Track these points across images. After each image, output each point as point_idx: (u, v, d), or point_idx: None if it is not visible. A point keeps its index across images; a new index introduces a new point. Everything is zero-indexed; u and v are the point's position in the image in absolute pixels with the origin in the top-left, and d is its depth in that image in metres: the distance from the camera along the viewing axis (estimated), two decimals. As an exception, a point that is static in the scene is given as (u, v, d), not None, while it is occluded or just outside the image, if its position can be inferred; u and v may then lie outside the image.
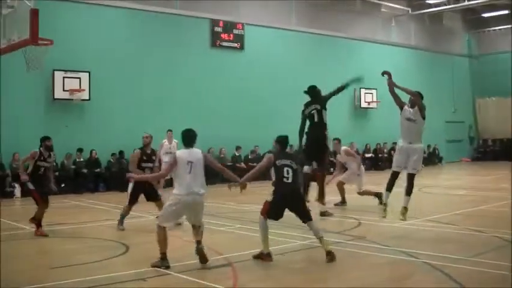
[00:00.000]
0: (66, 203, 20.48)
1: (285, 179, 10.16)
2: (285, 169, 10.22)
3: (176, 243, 12.09)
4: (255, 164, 27.93)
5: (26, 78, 20.30)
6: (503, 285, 8.42)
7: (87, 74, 24.80)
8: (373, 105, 35.60)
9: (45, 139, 13.62)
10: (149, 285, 8.65)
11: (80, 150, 24.38)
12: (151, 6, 27.14)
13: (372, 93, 35.53)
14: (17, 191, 22.56)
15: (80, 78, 24.65)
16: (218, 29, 29.60)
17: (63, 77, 24.34)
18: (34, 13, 11.90)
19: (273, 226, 11.81)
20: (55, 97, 24.36)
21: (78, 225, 15.00)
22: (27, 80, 22.16)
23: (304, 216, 10.22)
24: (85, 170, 24.17)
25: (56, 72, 24.05)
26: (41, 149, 13.42)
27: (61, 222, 15.33)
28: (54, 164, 14.83)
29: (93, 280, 8.79)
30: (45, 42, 13.17)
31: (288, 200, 10.16)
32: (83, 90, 24.66)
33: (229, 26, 29.92)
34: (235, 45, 30.23)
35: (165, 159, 19.44)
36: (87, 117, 24.97)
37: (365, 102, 35.40)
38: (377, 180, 20.62)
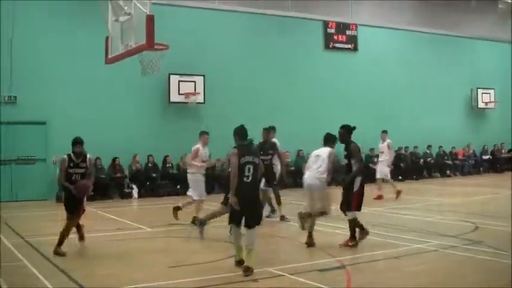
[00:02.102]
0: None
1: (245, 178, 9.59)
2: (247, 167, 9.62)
3: (288, 246, 12.13)
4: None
5: (143, 82, 20.91)
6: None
7: (202, 77, 25.25)
8: (491, 105, 34.46)
9: (73, 144, 11.76)
10: (261, 285, 8.68)
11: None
12: (264, 9, 27.36)
13: (489, 93, 34.42)
14: (135, 192, 23.25)
15: (195, 81, 25.15)
16: (331, 31, 29.50)
17: (179, 81, 24.92)
18: (150, 19, 12.20)
19: (385, 229, 11.65)
20: (171, 100, 24.92)
21: (192, 226, 15.23)
22: (143, 84, 22.80)
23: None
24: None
25: (171, 76, 24.62)
26: (71, 154, 11.63)
27: (179, 222, 15.62)
28: (94, 168, 12.55)
29: (207, 280, 8.91)
30: (161, 47, 13.51)
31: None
32: (198, 93, 25.13)
33: (342, 27, 29.75)
34: (349, 46, 30.02)
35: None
36: (202, 119, 25.35)
37: (482, 102, 34.31)
38: (496, 182, 19.92)
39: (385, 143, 21.03)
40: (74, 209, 11.48)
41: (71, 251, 11.49)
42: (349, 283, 8.76)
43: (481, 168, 32.87)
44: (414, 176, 29.81)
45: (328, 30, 29.44)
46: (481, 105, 34.33)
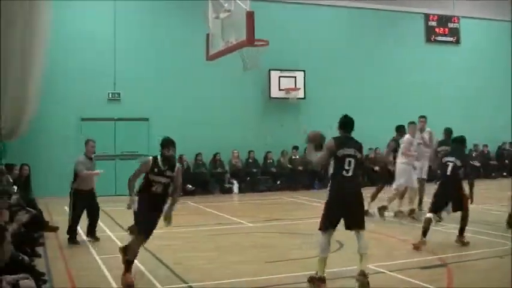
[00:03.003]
0: (282, 199, 21.02)
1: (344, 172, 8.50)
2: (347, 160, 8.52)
3: (390, 242, 12.00)
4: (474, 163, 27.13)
5: (244, 78, 21.07)
6: None
7: (302, 72, 25.25)
8: None
9: (163, 145, 9.17)
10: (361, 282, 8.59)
11: (296, 148, 24.78)
12: (364, 3, 27.06)
13: None
14: (235, 187, 23.49)
15: (295, 77, 25.17)
16: (432, 24, 28.91)
17: (279, 77, 24.99)
18: (250, 15, 12.28)
19: (487, 227, 11.33)
20: (271, 96, 25.04)
21: (295, 221, 15.28)
22: (245, 80, 22.99)
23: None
24: (300, 168, 24.52)
25: (272, 72, 24.73)
26: (157, 158, 9.16)
27: (279, 218, 15.72)
28: (181, 179, 9.52)
29: (304, 276, 8.88)
30: (261, 42, 13.58)
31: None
32: (298, 89, 25.14)
33: (444, 20, 29.11)
34: (451, 39, 29.34)
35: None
36: (302, 115, 25.35)
37: None
38: None
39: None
40: (147, 226, 9.08)
41: (172, 245, 11.71)
42: (450, 282, 8.58)
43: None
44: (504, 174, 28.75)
45: (430, 23, 28.86)
46: None
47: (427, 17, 28.81)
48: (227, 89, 24.26)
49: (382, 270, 9.20)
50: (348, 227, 8.51)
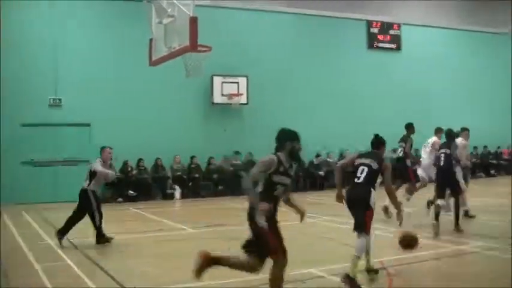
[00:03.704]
0: (224, 204, 21.03)
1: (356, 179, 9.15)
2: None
3: (331, 246, 12.13)
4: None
5: (186, 83, 21.05)
6: None
7: (245, 78, 25.31)
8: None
9: (290, 138, 7.93)
10: (303, 286, 8.69)
11: (237, 152, 24.86)
12: (307, 9, 27.31)
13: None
14: (177, 193, 23.38)
15: (238, 82, 25.23)
16: (374, 30, 29.33)
17: (222, 82, 25.01)
18: (193, 21, 12.27)
19: (423, 229, 11.57)
20: (214, 101, 25.05)
21: (237, 226, 15.28)
22: (187, 86, 22.98)
23: None
24: (243, 172, 24.56)
25: (215, 77, 24.74)
26: (279, 154, 7.75)
27: (221, 223, 15.72)
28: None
29: (246, 281, 8.93)
30: (204, 48, 13.58)
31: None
32: (241, 94, 25.21)
33: (385, 27, 29.56)
34: (392, 46, 29.81)
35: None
36: (245, 120, 25.46)
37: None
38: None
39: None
40: (280, 241, 7.64)
41: (113, 251, 11.64)
42: (390, 285, 8.73)
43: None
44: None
45: (372, 29, 29.27)
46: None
47: (369, 23, 29.20)
48: (170, 94, 24.19)
49: (322, 274, 9.28)
50: None
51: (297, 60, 27.03)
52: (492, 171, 31.36)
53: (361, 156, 9.29)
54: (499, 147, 31.92)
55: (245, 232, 12.51)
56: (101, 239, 12.56)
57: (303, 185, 25.53)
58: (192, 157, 24.26)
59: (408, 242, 9.27)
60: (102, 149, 13.31)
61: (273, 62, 26.38)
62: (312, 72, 27.30)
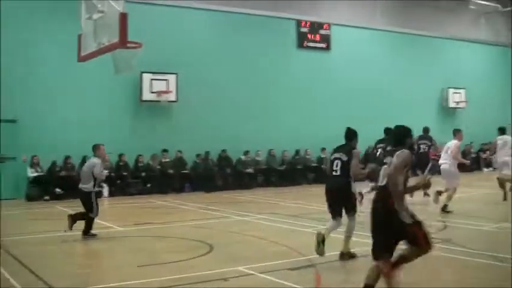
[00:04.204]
0: (152, 203, 20.89)
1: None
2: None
3: (260, 244, 12.18)
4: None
5: (115, 80, 20.85)
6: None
7: (175, 75, 25.16)
8: (462, 105, 34.82)
9: (406, 135, 7.63)
10: (231, 285, 8.69)
11: (165, 150, 24.72)
12: (238, 8, 27.29)
13: (460, 93, 34.78)
14: (105, 191, 23.03)
15: (167, 80, 25.04)
16: (304, 30, 29.53)
17: (151, 79, 24.78)
18: (123, 17, 12.11)
19: (364, 228, 11.73)
20: (143, 99, 24.82)
21: (165, 225, 15.24)
22: (116, 83, 22.74)
23: None
24: (171, 171, 24.49)
25: (144, 75, 24.49)
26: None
27: (149, 221, 15.62)
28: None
29: (176, 279, 8.91)
30: (134, 45, 13.44)
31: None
32: (170, 91, 25.04)
33: (315, 27, 29.80)
34: (322, 45, 30.09)
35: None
36: (174, 118, 25.34)
37: (453, 102, 34.65)
38: (465, 182, 20.09)
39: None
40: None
41: (41, 251, 11.43)
42: (319, 282, 8.81)
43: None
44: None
45: (302, 29, 29.45)
46: (452, 104, 34.65)
47: (299, 23, 29.37)
48: (98, 91, 23.85)
49: (252, 272, 9.31)
50: None
51: (227, 58, 27.00)
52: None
53: (335, 151, 10.55)
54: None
55: (172, 230, 12.45)
56: (88, 232, 13.01)
57: (231, 183, 25.41)
58: (120, 155, 23.94)
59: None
60: (97, 146, 13.62)
61: (203, 60, 26.28)
62: (241, 70, 27.31)
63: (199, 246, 11.57)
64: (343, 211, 10.27)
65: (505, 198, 17.93)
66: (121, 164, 24.02)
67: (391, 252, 7.31)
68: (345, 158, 10.15)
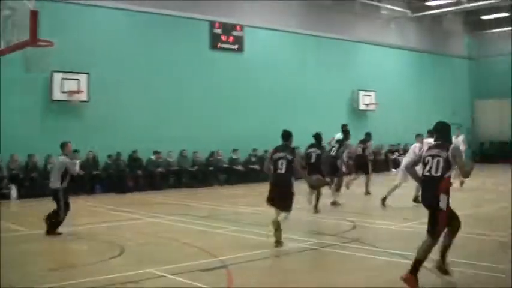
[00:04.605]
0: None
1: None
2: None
3: (172, 245, 12.18)
4: (255, 166, 28.12)
5: (25, 79, 20.38)
6: (500, 286, 8.45)
7: (86, 75, 24.76)
8: (372, 107, 35.57)
9: (449, 130, 9.22)
10: (143, 286, 8.68)
11: (76, 151, 24.23)
12: (151, 8, 27.02)
13: (370, 95, 35.53)
14: (14, 192, 22.46)
15: (78, 79, 24.61)
16: (217, 31, 29.51)
17: (62, 79, 24.27)
18: (33, 14, 11.92)
19: (267, 229, 11.89)
20: (53, 98, 24.32)
21: (76, 227, 15.02)
22: (26, 81, 22.21)
23: None
24: (81, 172, 24.08)
25: (54, 74, 23.98)
26: None
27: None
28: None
29: (89, 282, 8.82)
30: (46, 43, 13.19)
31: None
32: (81, 91, 24.60)
33: (228, 28, 29.82)
34: (235, 47, 30.14)
35: None
36: (85, 118, 24.94)
37: (363, 104, 35.35)
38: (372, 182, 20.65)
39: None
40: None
41: None
42: (231, 283, 8.88)
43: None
44: (297, 177, 30.12)
45: (215, 30, 29.41)
46: (362, 107, 35.33)
47: (212, 24, 29.31)
48: (7, 90, 23.20)
49: (163, 274, 9.30)
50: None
51: (139, 58, 26.71)
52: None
53: (277, 150, 11.97)
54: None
55: (83, 232, 12.32)
56: (55, 230, 13.40)
57: (143, 184, 25.16)
58: (30, 155, 23.42)
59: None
60: (64, 144, 14.07)
61: (115, 60, 25.91)
62: (154, 70, 27.04)
63: (111, 249, 11.47)
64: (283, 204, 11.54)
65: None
66: (30, 164, 23.48)
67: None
68: (290, 157, 11.71)
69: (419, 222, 14.43)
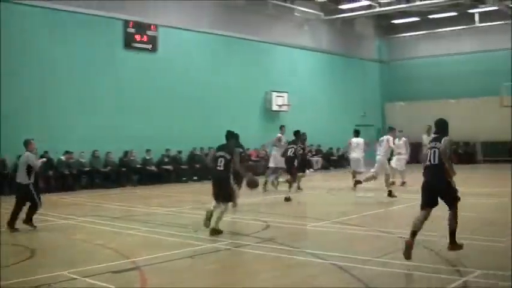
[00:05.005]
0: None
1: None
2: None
3: (85, 247, 12.00)
4: (168, 167, 27.99)
5: None
6: (409, 284, 8.68)
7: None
8: (285, 108, 35.88)
9: (447, 126, 10.66)
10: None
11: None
12: (64, 5, 26.41)
13: (283, 97, 35.83)
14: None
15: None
16: (131, 30, 29.13)
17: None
18: None
19: (180, 229, 11.87)
20: None
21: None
22: None
23: None
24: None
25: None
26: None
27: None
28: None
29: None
30: None
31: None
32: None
33: (142, 28, 29.46)
34: (148, 46, 29.81)
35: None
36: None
37: (276, 105, 35.62)
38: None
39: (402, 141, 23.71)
40: None
41: None
42: (144, 284, 8.81)
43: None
44: (209, 177, 29.89)
45: (129, 29, 29.02)
46: (275, 107, 35.60)
47: (126, 23, 28.90)
48: None
49: (76, 276, 9.15)
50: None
51: (52, 56, 26.02)
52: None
53: (219, 149, 13.34)
54: (248, 148, 33.18)
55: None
56: (30, 222, 14.08)
57: (54, 186, 24.55)
58: None
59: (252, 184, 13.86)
60: (28, 141, 14.58)
61: (28, 59, 25.30)
62: (67, 69, 26.42)
63: (21, 252, 11.23)
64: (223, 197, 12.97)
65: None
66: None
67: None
68: (228, 156, 13.03)
69: (331, 221, 14.79)
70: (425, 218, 9.99)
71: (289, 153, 20.57)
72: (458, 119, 37.55)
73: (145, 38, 29.52)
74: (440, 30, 43.56)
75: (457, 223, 9.96)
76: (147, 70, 29.32)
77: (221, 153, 13.18)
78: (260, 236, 12.69)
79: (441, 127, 10.55)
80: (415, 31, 44.81)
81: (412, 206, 17.34)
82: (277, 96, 35.68)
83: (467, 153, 39.70)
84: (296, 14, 37.88)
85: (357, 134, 23.57)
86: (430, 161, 10.13)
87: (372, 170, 20.08)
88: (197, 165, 29.38)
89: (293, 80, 37.11)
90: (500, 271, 9.00)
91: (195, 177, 29.00)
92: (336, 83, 40.84)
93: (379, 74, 46.74)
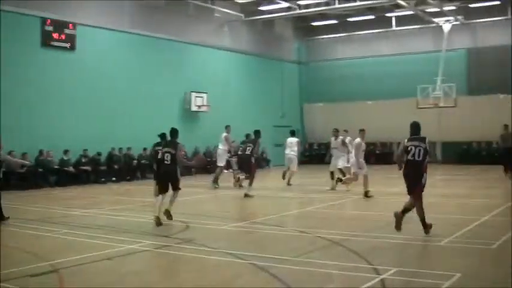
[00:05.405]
0: None
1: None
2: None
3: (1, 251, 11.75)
4: (86, 167, 27.62)
5: None
6: (327, 284, 8.83)
7: None
8: (204, 108, 35.88)
9: (419, 129, 12.83)
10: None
11: None
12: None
13: (202, 97, 35.84)
14: None
15: None
16: (49, 28, 28.53)
17: None
18: None
19: (98, 231, 11.77)
20: None
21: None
22: None
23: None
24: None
25: None
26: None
27: None
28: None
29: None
30: None
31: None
32: None
33: (60, 26, 28.93)
34: (66, 45, 29.28)
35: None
36: None
37: (195, 105, 35.58)
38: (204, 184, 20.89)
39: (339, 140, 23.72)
40: None
41: None
42: (62, 286, 8.70)
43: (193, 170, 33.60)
44: (128, 177, 29.98)
45: (47, 27, 28.43)
46: (194, 108, 35.55)
47: (43, 21, 28.28)
48: None
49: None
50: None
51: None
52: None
53: (165, 145, 15.18)
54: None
55: None
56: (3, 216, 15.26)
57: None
58: None
59: None
60: None
61: None
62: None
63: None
64: (170, 188, 14.88)
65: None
66: None
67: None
68: (173, 151, 14.82)
69: (249, 222, 14.94)
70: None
71: (247, 151, 21.30)
72: (376, 120, 38.56)
73: (63, 37, 29.00)
74: (358, 33, 44.55)
75: (423, 210, 12.14)
76: (65, 69, 28.84)
77: (167, 149, 14.99)
78: (180, 237, 12.69)
79: (417, 129, 12.45)
80: (334, 33, 45.59)
81: (330, 206, 17.77)
82: (197, 96, 35.68)
83: (384, 154, 40.68)
84: (216, 14, 37.99)
85: (292, 133, 26.22)
86: (414, 157, 12.06)
87: (353, 171, 20.61)
88: (116, 166, 29.16)
89: (213, 80, 37.19)
90: (413, 268, 9.35)
91: (114, 178, 28.76)
92: (256, 84, 41.15)
93: (298, 75, 47.33)
